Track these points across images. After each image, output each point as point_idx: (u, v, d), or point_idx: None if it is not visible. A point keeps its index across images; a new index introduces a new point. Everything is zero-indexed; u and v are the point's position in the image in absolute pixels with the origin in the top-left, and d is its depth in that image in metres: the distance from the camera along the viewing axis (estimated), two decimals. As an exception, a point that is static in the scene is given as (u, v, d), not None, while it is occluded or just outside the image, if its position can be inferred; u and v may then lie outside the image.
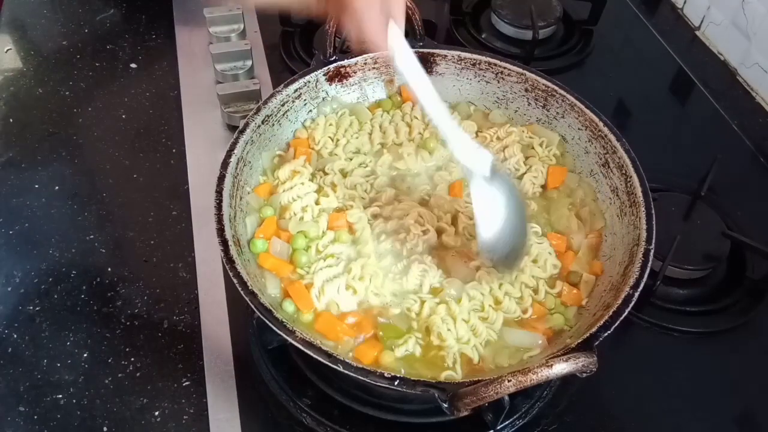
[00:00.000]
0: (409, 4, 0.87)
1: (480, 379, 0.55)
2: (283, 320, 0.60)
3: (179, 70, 1.11)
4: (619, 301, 0.63)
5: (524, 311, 0.71)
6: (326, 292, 0.70)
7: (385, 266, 0.73)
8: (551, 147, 0.86)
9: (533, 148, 0.86)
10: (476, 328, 0.69)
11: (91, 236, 0.88)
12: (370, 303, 0.71)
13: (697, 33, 1.29)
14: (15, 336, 0.78)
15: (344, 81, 0.89)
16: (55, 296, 0.82)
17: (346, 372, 0.58)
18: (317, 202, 0.78)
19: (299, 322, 0.69)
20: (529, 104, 0.88)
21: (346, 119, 0.88)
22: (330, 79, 0.87)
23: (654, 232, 0.69)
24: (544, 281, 0.73)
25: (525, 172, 0.84)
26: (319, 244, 0.74)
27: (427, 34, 0.89)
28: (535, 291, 0.73)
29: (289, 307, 0.69)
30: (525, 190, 0.82)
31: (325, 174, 0.82)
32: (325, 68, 0.86)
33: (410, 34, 0.89)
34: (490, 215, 0.69)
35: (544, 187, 0.84)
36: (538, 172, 0.84)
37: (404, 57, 0.66)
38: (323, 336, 0.68)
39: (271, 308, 0.61)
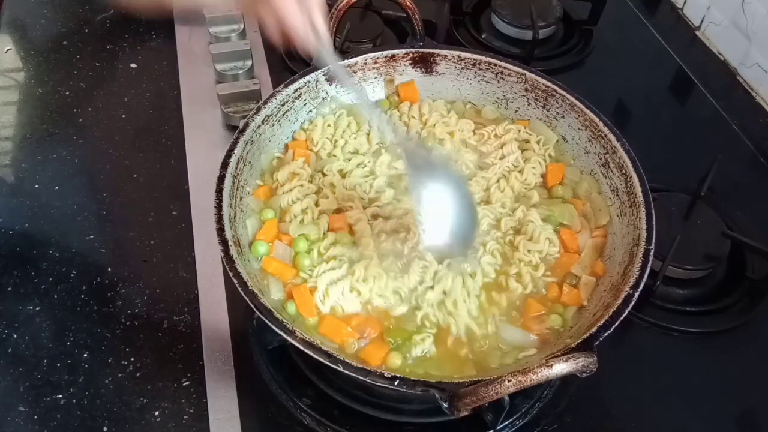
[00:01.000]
0: (409, 4, 0.87)
1: (480, 379, 0.55)
2: (283, 320, 0.60)
3: (179, 70, 1.11)
4: (619, 301, 0.63)
5: (524, 287, 0.72)
6: (330, 294, 0.70)
7: (387, 266, 0.73)
8: (548, 146, 0.86)
9: (529, 142, 0.87)
10: (484, 306, 0.71)
11: (91, 236, 0.88)
12: (373, 304, 0.71)
13: (697, 33, 1.29)
14: (15, 336, 0.78)
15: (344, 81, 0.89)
16: (55, 296, 0.82)
17: (346, 372, 0.58)
18: (317, 204, 0.78)
19: (303, 325, 0.69)
20: (529, 104, 0.88)
21: (344, 120, 0.88)
22: (330, 79, 0.87)
23: (654, 232, 0.69)
24: (541, 259, 0.75)
25: (524, 166, 0.84)
26: (320, 247, 0.74)
27: (427, 34, 0.89)
28: (535, 268, 0.74)
29: (291, 307, 0.69)
30: (528, 182, 0.83)
31: (324, 175, 0.82)
32: (325, 68, 0.86)
33: (410, 34, 0.90)
34: (435, 213, 0.69)
35: (544, 183, 0.84)
36: (537, 163, 0.84)
37: (326, 53, 0.67)
38: (328, 339, 0.68)
39: (270, 308, 0.61)
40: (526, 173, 0.83)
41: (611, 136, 0.78)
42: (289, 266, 0.73)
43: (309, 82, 0.85)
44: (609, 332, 0.60)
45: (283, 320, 0.60)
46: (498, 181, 0.83)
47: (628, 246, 0.71)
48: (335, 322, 0.69)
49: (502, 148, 0.86)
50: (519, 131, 0.87)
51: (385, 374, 0.58)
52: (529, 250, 0.75)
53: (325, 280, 0.71)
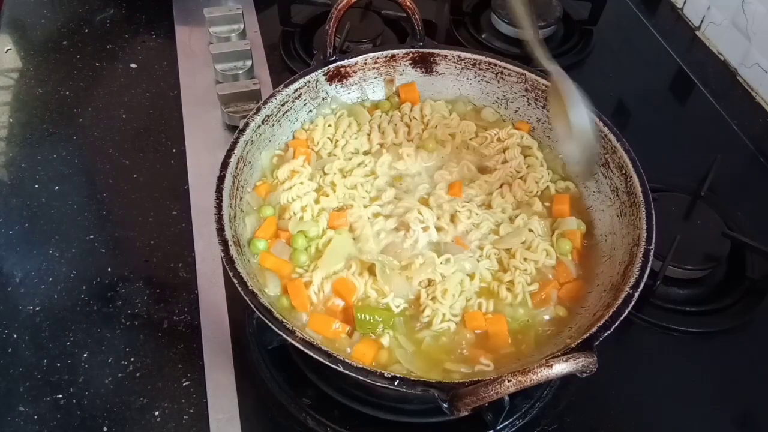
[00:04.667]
0: (409, 4, 0.87)
1: (480, 379, 0.55)
2: (283, 320, 0.60)
3: (179, 70, 1.11)
4: (619, 301, 0.63)
5: (514, 297, 0.72)
6: (325, 289, 0.70)
7: (384, 260, 0.73)
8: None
9: (531, 148, 0.86)
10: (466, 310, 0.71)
11: (91, 236, 0.88)
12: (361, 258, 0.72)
13: (697, 33, 1.29)
14: (15, 336, 0.78)
15: (344, 81, 0.89)
16: (55, 296, 0.82)
17: (346, 372, 0.58)
18: (317, 202, 0.78)
19: (295, 321, 0.69)
20: (529, 104, 0.88)
21: (344, 120, 0.88)
22: (330, 79, 0.87)
23: (654, 232, 0.69)
24: (535, 269, 0.74)
25: (527, 174, 0.84)
26: (319, 243, 0.74)
27: (427, 34, 0.89)
28: (528, 282, 0.74)
29: (285, 301, 0.70)
30: (530, 190, 0.82)
31: (325, 174, 0.82)
32: (325, 68, 0.86)
33: (411, 34, 0.90)
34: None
35: (550, 213, 0.82)
36: (542, 173, 0.83)
37: None
38: (318, 335, 0.68)
39: (270, 308, 0.61)
40: (529, 182, 0.83)
41: (611, 136, 0.78)
42: (286, 262, 0.73)
43: (309, 82, 0.85)
44: (609, 332, 0.60)
45: (283, 320, 0.60)
46: (501, 187, 0.82)
47: (628, 246, 0.71)
48: (324, 318, 0.69)
49: (504, 152, 0.86)
50: (522, 137, 0.87)
51: (385, 374, 0.58)
52: (525, 259, 0.74)
53: (321, 275, 0.71)
